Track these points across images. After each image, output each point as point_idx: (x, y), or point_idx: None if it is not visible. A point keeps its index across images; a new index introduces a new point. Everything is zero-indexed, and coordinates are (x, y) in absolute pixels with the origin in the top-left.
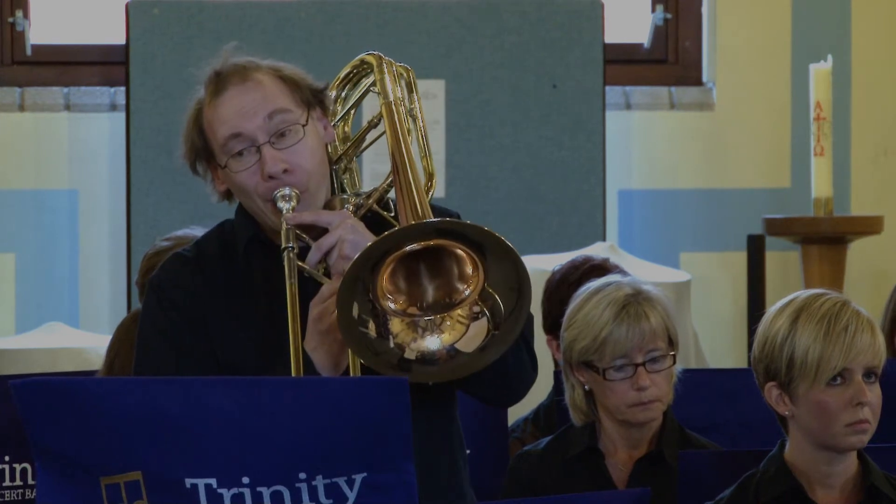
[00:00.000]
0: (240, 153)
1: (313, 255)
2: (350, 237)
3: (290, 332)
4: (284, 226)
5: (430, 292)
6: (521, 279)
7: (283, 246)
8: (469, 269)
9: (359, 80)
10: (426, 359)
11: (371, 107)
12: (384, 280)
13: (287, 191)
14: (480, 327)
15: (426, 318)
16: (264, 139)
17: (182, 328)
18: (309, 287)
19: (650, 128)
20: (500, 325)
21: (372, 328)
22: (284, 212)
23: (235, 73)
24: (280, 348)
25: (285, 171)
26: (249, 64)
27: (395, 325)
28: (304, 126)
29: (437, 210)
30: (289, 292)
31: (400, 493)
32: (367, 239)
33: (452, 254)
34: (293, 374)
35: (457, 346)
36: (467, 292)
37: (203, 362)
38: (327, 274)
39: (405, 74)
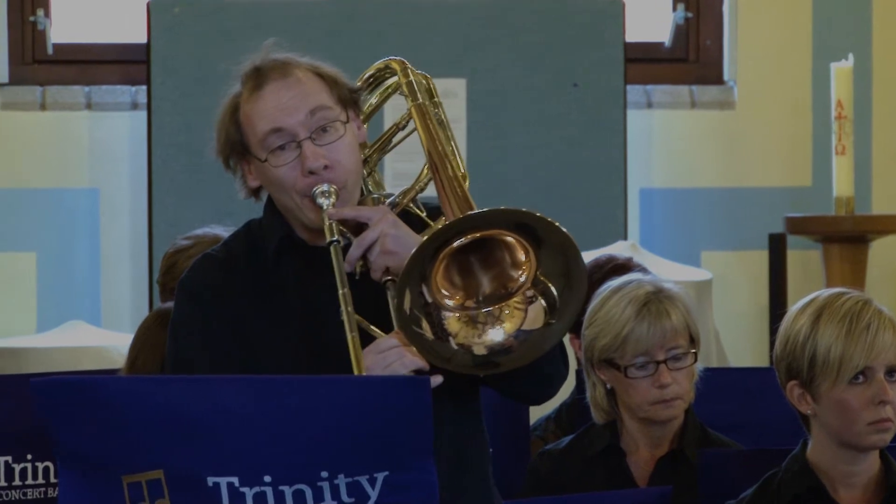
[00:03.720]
0: (279, 148)
1: (354, 251)
2: (392, 232)
3: (346, 331)
4: (327, 221)
5: (486, 284)
6: (570, 264)
7: (329, 240)
8: (521, 256)
9: (379, 85)
10: (498, 350)
11: (390, 112)
12: (440, 275)
13: (326, 187)
14: (537, 309)
15: (484, 311)
16: (305, 135)
17: (215, 328)
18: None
19: (671, 126)
20: (555, 307)
21: (427, 329)
22: (325, 207)
23: (276, 69)
24: (320, 350)
25: (325, 167)
26: (289, 60)
27: (452, 324)
28: (344, 123)
29: None
30: (339, 280)
31: (421, 491)
32: (408, 234)
33: (503, 243)
34: (355, 373)
35: (523, 328)
36: (522, 279)
37: (237, 361)
38: (366, 271)
39: (424, 82)
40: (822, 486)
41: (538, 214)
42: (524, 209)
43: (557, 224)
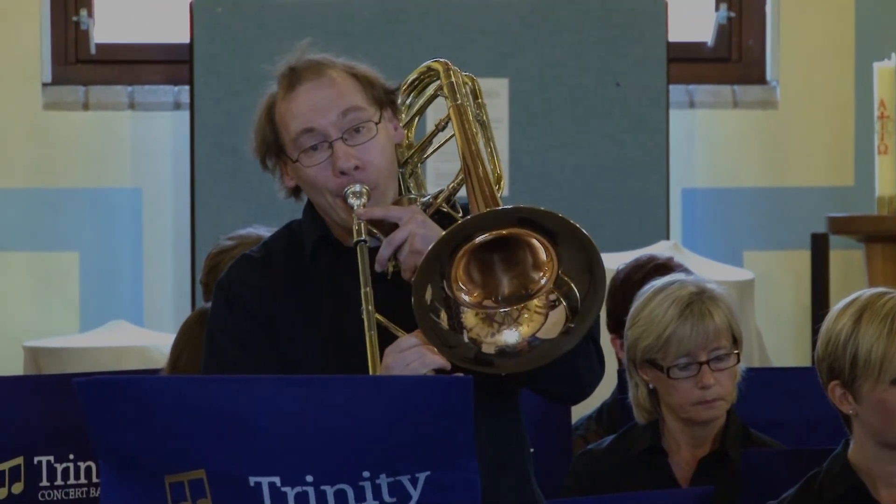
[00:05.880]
0: (312, 148)
1: (385, 251)
2: (421, 231)
3: (365, 329)
4: (356, 221)
5: (506, 284)
6: (592, 261)
7: (356, 239)
8: (543, 257)
9: (424, 88)
10: (507, 352)
11: (434, 115)
12: (459, 271)
13: (358, 187)
14: (559, 315)
15: (502, 311)
16: (337, 135)
17: (251, 329)
18: (379, 284)
19: (714, 126)
20: (577, 309)
21: (444, 318)
22: (355, 207)
23: (310, 69)
24: (348, 349)
25: (357, 167)
26: (324, 60)
27: (469, 318)
28: (376, 124)
29: None
30: (363, 279)
31: (463, 491)
32: (438, 234)
33: (525, 243)
34: (370, 372)
35: (538, 335)
36: (543, 281)
37: (272, 363)
38: (397, 271)
39: (469, 83)
40: (863, 487)
41: (550, 211)
42: (536, 206)
43: (564, 216)
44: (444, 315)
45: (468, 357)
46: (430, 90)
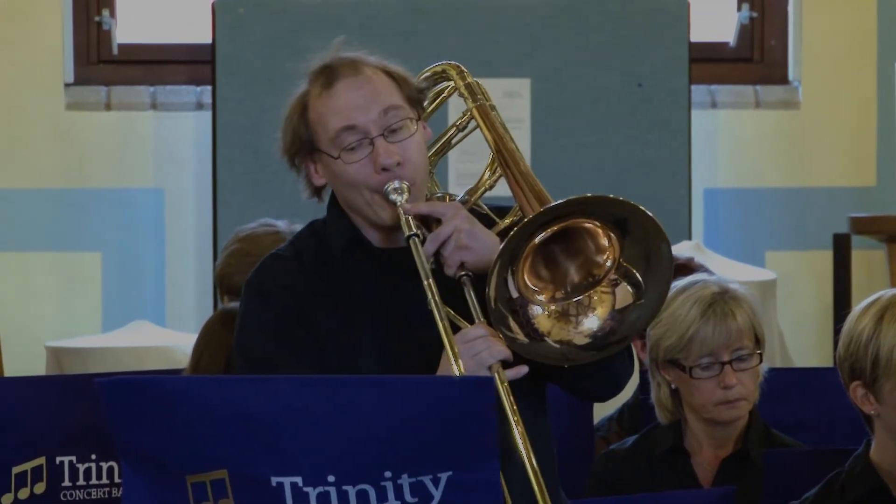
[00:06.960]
0: (351, 145)
1: (430, 246)
2: (466, 227)
3: (435, 314)
4: (403, 216)
5: (573, 273)
6: (650, 248)
7: (408, 234)
8: (604, 241)
9: (433, 87)
10: (600, 335)
11: (442, 115)
12: (526, 271)
13: (397, 184)
14: (624, 290)
15: (574, 301)
16: (377, 132)
17: (286, 325)
18: (419, 280)
19: (736, 126)
20: (639, 286)
21: (516, 329)
22: (399, 203)
23: (346, 66)
24: (393, 347)
25: (398, 164)
26: (359, 58)
27: (542, 322)
28: (415, 121)
29: None
30: (422, 272)
31: (485, 491)
32: (482, 230)
33: (583, 230)
34: (449, 357)
35: (616, 308)
36: (608, 263)
37: (311, 359)
38: (439, 267)
39: (477, 86)
40: (885, 487)
41: (632, 203)
42: (612, 196)
43: (644, 209)
44: (513, 323)
45: (585, 355)
46: (438, 91)
